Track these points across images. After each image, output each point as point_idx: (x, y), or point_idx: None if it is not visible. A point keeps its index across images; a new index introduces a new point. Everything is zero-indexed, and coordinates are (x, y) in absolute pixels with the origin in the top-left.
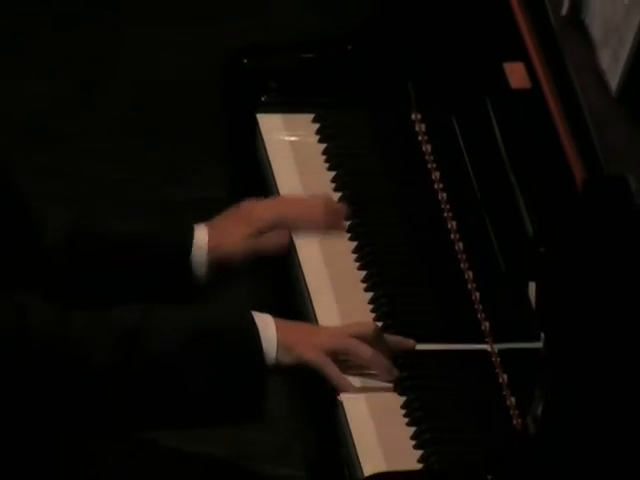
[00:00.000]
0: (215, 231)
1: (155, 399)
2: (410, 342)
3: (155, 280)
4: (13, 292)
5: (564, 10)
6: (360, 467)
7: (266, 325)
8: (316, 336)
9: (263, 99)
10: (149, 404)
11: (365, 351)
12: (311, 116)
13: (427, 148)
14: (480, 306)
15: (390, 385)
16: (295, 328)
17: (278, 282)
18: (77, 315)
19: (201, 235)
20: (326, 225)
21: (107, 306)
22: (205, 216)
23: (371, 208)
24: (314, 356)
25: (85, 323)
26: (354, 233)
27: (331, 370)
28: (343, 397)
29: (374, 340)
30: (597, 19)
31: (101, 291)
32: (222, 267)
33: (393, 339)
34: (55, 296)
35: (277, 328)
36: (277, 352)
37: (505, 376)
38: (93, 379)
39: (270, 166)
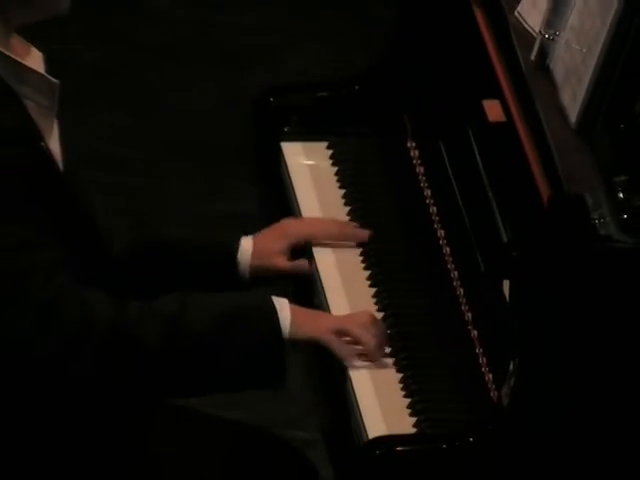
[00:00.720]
0: (259, 242)
1: (196, 369)
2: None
3: (205, 279)
4: (84, 288)
5: (533, 56)
6: (365, 431)
7: (282, 306)
8: (324, 319)
9: (286, 130)
10: (191, 374)
11: (362, 334)
12: (325, 144)
13: (420, 170)
14: (464, 299)
15: (391, 364)
16: (307, 312)
17: (299, 281)
18: (132, 305)
19: (247, 245)
20: (341, 238)
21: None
22: (239, 225)
23: (374, 219)
24: (322, 334)
25: (138, 311)
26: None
27: (336, 345)
28: (351, 373)
29: (371, 325)
30: (559, 64)
31: (157, 286)
32: (261, 272)
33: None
34: (116, 290)
35: (291, 310)
36: (290, 328)
37: (484, 358)
38: (146, 355)
39: (292, 184)
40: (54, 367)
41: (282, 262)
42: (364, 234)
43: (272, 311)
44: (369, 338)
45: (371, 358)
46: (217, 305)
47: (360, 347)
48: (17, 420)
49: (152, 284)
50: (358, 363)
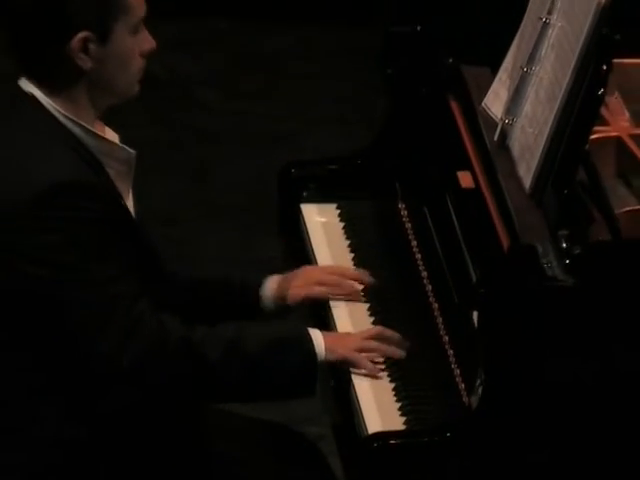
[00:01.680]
0: (283, 282)
1: (245, 383)
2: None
3: (237, 310)
4: (160, 313)
5: (495, 137)
6: (366, 428)
7: (316, 336)
8: (349, 340)
9: (304, 194)
10: (241, 386)
11: (381, 346)
12: (335, 205)
13: (408, 226)
14: (442, 326)
15: (385, 375)
16: (335, 336)
17: (315, 311)
18: (198, 328)
19: (270, 284)
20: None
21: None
22: (266, 269)
23: (371, 262)
24: (350, 354)
25: (203, 333)
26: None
27: (361, 361)
28: (355, 382)
29: (382, 337)
30: (516, 143)
31: (201, 315)
32: (283, 306)
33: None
34: (182, 316)
35: (324, 337)
36: (325, 353)
37: (458, 371)
38: (207, 369)
39: (309, 237)
40: (135, 377)
41: (299, 299)
42: (365, 277)
43: (309, 341)
44: (387, 348)
45: (393, 355)
46: (265, 334)
47: (375, 355)
48: (108, 417)
49: (196, 311)
50: (370, 368)
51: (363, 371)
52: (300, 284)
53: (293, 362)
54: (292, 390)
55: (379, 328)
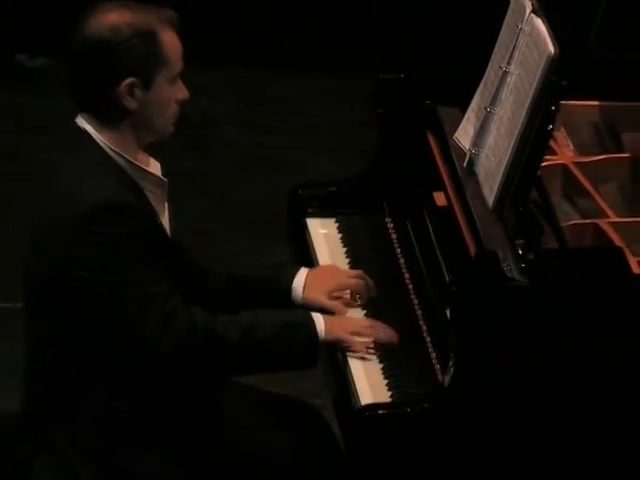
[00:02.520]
0: (312, 275)
1: (258, 360)
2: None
3: (269, 301)
4: (189, 306)
5: (464, 164)
6: (359, 400)
7: (318, 319)
8: (346, 324)
9: (309, 211)
10: (255, 363)
11: (372, 332)
12: (334, 219)
13: (394, 237)
14: (421, 318)
15: (375, 358)
16: (334, 320)
17: None
18: (220, 316)
19: (300, 277)
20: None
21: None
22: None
23: (364, 266)
24: (345, 336)
25: (224, 321)
26: None
27: (353, 343)
28: (350, 362)
29: (374, 327)
30: (481, 169)
31: (234, 305)
32: (311, 303)
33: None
34: (208, 307)
35: (324, 321)
36: (325, 333)
37: (434, 354)
38: (227, 350)
39: (312, 245)
40: (170, 357)
41: (323, 300)
42: (362, 276)
43: (312, 324)
44: (378, 334)
45: (376, 337)
46: (275, 319)
47: (366, 339)
48: (149, 389)
49: (230, 302)
50: (363, 351)
51: (356, 353)
52: (328, 283)
53: (299, 342)
54: (298, 364)
55: (372, 320)
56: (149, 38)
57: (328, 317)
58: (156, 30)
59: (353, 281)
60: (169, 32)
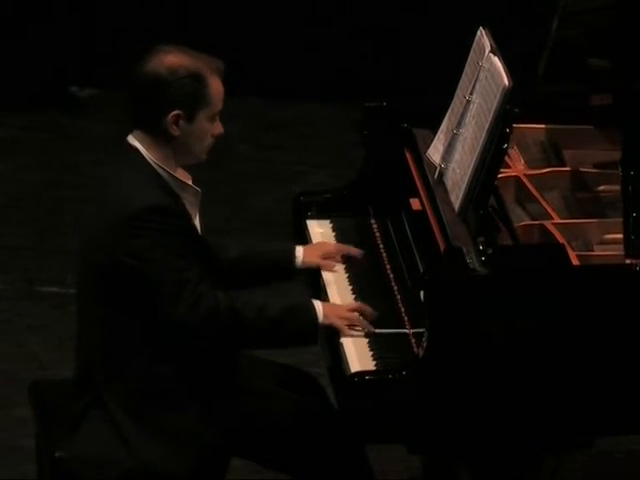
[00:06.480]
0: (306, 250)
1: (268, 337)
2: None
3: (278, 271)
4: (214, 288)
5: (435, 176)
6: (349, 368)
7: (318, 306)
8: (339, 310)
9: (309, 213)
10: (265, 338)
11: (359, 319)
12: (329, 221)
13: (378, 235)
14: (400, 302)
15: (363, 336)
16: (330, 306)
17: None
18: (239, 299)
19: (299, 252)
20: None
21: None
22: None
23: (351, 261)
24: (337, 322)
25: (242, 302)
26: (347, 269)
27: (343, 329)
28: (343, 340)
29: (361, 310)
30: (449, 180)
31: (245, 282)
32: (306, 265)
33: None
34: (224, 287)
35: (322, 307)
36: (322, 318)
37: (411, 332)
38: (243, 326)
39: (311, 242)
40: (199, 332)
41: (316, 262)
42: (357, 251)
43: (312, 309)
44: (357, 318)
45: (361, 325)
46: (284, 303)
47: (355, 325)
48: (182, 359)
49: (241, 280)
50: (350, 334)
51: (344, 335)
52: (316, 253)
53: (302, 322)
54: (299, 341)
55: (359, 303)
56: (198, 80)
57: (326, 304)
58: (205, 75)
59: (341, 246)
60: (216, 79)
